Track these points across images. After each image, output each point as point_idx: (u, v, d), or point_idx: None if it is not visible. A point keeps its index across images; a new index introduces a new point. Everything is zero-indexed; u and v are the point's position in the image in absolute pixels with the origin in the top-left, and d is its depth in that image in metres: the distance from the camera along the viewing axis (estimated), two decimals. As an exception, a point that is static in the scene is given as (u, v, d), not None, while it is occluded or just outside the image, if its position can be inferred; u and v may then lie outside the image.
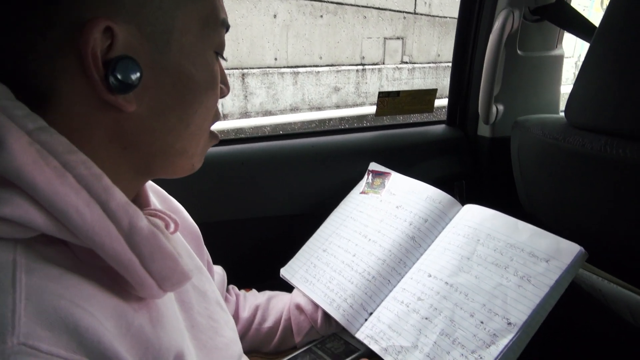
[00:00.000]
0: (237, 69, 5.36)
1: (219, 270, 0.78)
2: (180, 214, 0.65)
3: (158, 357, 0.38)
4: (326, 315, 0.80)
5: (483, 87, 0.92)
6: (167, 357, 0.39)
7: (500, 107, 0.98)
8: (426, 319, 0.70)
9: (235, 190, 0.94)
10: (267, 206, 0.97)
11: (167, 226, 0.48)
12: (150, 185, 0.62)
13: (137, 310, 0.38)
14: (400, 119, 1.24)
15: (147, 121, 0.40)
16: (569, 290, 0.98)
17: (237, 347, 0.58)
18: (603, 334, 0.90)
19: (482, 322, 0.66)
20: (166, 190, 0.65)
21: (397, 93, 1.00)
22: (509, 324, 0.64)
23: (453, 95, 1.09)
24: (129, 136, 0.40)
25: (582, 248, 0.68)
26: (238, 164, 0.93)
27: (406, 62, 6.41)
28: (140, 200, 0.49)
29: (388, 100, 1.00)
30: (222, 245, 0.89)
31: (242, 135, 0.99)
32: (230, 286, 0.84)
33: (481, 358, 0.62)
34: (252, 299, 0.83)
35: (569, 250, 0.68)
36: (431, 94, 1.03)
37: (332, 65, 5.92)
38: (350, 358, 0.75)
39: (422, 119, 1.17)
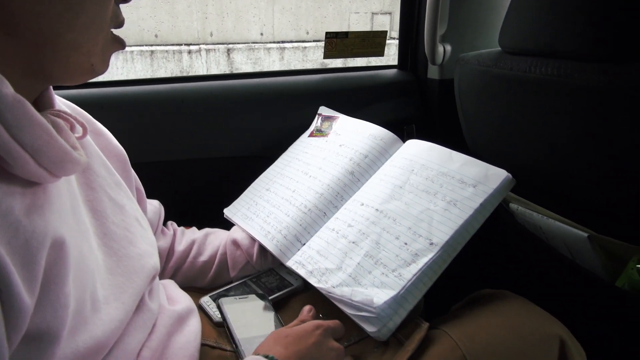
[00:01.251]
0: (222, 44, 5.31)
1: (155, 203, 0.79)
2: (104, 137, 0.65)
3: (30, 239, 0.38)
4: (262, 250, 0.80)
5: (427, 25, 0.91)
6: (42, 241, 0.39)
7: (448, 47, 0.97)
8: (353, 242, 0.70)
9: (178, 130, 0.94)
10: (212, 147, 0.97)
11: (72, 128, 0.48)
12: (73, 107, 0.61)
13: (12, 194, 0.38)
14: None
15: (29, 4, 0.38)
16: (515, 232, 1.00)
17: (153, 260, 0.58)
18: (545, 271, 0.92)
19: (405, 244, 0.67)
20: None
21: (346, 34, 0.99)
22: (431, 244, 0.65)
23: (403, 38, 1.08)
24: (10, 19, 0.38)
25: (509, 174, 0.69)
26: (177, 102, 0.92)
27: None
28: (42, 101, 0.48)
29: (336, 42, 0.99)
30: (165, 185, 0.89)
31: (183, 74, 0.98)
32: (170, 222, 0.84)
33: (400, 275, 0.63)
34: (189, 234, 0.83)
35: (496, 175, 0.69)
36: (381, 36, 1.02)
37: (319, 40, 5.87)
38: (282, 292, 0.75)
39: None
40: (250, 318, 0.67)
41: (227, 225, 0.89)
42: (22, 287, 0.36)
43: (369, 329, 0.60)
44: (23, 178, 0.39)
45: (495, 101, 0.78)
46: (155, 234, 0.78)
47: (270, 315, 0.69)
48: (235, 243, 0.81)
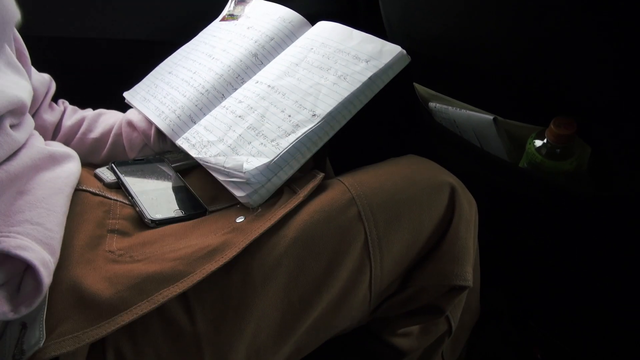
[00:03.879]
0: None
1: (45, 76, 0.78)
2: None
3: None
4: (160, 132, 0.80)
5: None
6: None
7: None
8: (240, 117, 0.71)
9: (82, 4, 0.91)
10: (119, 28, 0.94)
11: None
12: None
13: None
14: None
15: None
16: (433, 130, 1.01)
17: (17, 93, 0.58)
18: (458, 163, 0.94)
19: (289, 116, 0.67)
20: None
21: None
22: (314, 115, 0.66)
23: None
24: None
25: (403, 50, 0.69)
26: None
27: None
28: None
29: None
30: (64, 64, 0.86)
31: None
32: (61, 100, 0.84)
33: (278, 145, 0.64)
34: (81, 112, 0.83)
35: (389, 51, 0.70)
36: None
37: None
38: (185, 162, 0.76)
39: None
40: (146, 176, 0.69)
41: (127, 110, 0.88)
42: None
43: (238, 193, 0.62)
44: None
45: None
46: (41, 106, 0.77)
47: (170, 173, 0.71)
48: (130, 124, 0.81)
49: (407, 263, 0.62)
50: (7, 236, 0.49)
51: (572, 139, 0.71)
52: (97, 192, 0.65)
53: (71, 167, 0.63)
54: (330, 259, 0.56)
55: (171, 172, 0.72)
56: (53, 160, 0.61)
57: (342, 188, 0.60)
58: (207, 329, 0.52)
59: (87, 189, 0.64)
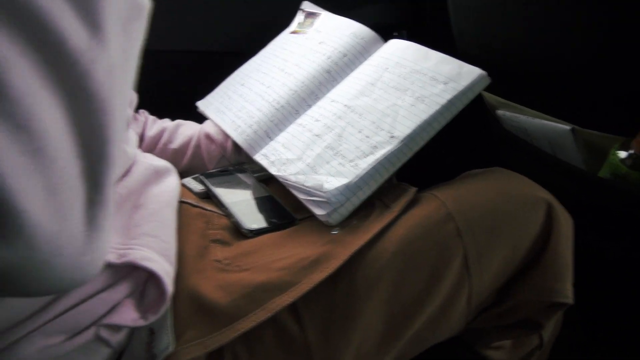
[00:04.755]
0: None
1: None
2: None
3: None
4: (236, 145, 0.84)
5: None
6: None
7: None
8: (317, 135, 0.74)
9: (157, 19, 0.95)
10: (191, 40, 0.98)
11: None
12: None
13: None
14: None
15: None
16: (502, 138, 1.02)
17: None
18: (531, 171, 0.95)
19: (367, 137, 0.70)
20: None
21: None
22: (392, 137, 0.68)
23: None
24: None
25: (483, 71, 0.70)
26: None
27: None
28: None
29: None
30: (141, 75, 0.92)
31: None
32: (142, 110, 0.89)
33: (356, 165, 0.67)
34: (161, 123, 0.89)
35: (469, 73, 0.70)
36: None
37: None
38: (263, 172, 0.79)
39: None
40: (234, 186, 0.75)
41: (201, 121, 0.92)
42: None
43: (318, 212, 0.65)
44: None
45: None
46: None
47: (254, 182, 0.76)
48: (208, 137, 0.86)
49: (504, 278, 0.63)
50: (131, 248, 0.53)
51: (659, 149, 0.70)
52: (195, 203, 0.70)
53: (172, 181, 0.68)
54: (430, 273, 0.58)
55: (252, 182, 0.77)
56: (158, 175, 0.66)
57: (438, 203, 0.61)
58: (317, 338, 0.55)
59: (187, 200, 0.69)
